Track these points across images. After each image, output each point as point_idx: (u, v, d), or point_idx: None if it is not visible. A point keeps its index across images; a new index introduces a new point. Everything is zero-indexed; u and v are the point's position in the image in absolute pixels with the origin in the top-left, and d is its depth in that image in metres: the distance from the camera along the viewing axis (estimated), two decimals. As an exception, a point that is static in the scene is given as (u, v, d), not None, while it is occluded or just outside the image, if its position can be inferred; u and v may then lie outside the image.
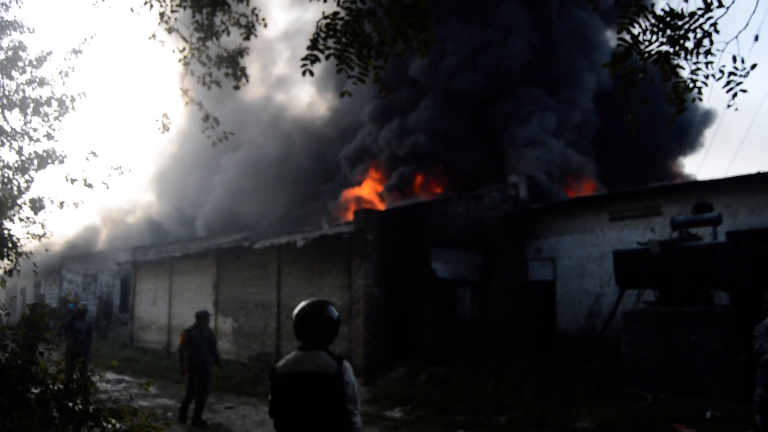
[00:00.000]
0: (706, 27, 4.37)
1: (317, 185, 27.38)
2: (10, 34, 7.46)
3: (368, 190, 25.59)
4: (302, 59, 4.97)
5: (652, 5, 4.64)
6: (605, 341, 13.69)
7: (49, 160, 7.37)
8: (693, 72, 4.44)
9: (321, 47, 4.97)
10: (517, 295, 17.32)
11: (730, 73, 4.41)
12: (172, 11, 6.44)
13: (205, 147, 7.15)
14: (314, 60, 4.98)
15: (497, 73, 23.06)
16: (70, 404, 5.85)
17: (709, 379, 10.98)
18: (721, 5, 4.38)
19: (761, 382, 6.60)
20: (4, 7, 7.53)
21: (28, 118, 7.36)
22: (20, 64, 7.38)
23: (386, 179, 24.78)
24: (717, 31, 4.41)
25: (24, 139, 7.35)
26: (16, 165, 7.31)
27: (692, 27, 4.37)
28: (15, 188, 7.27)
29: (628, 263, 12.74)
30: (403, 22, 4.98)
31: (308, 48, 4.94)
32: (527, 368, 13.15)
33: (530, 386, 12.07)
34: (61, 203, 7.50)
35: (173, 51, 6.68)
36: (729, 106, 4.52)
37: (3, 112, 7.26)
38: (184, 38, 6.64)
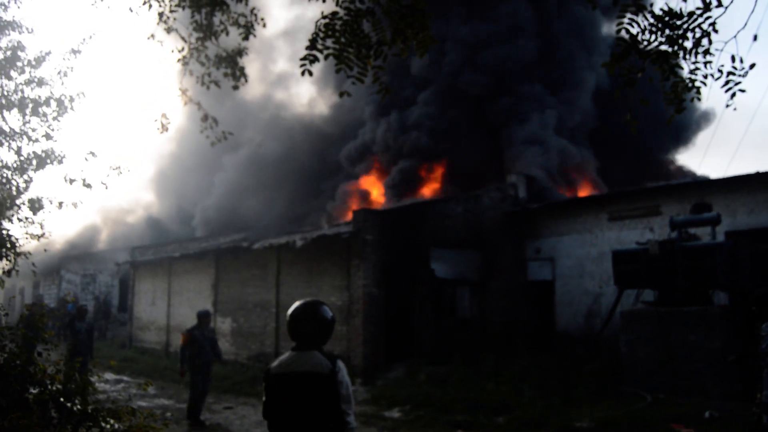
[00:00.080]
0: (704, 26, 4.37)
1: (318, 183, 27.33)
2: (9, 34, 7.45)
3: (370, 185, 25.59)
4: (301, 59, 4.97)
5: (651, 4, 4.64)
6: (604, 341, 13.70)
7: (48, 161, 7.36)
8: (692, 71, 4.45)
9: (320, 47, 4.96)
10: (517, 295, 17.33)
11: (729, 73, 4.41)
12: (171, 11, 6.44)
13: (205, 146, 7.14)
14: (313, 60, 4.98)
15: (498, 72, 23.06)
16: (69, 404, 5.85)
17: (708, 378, 10.98)
18: (720, 5, 4.39)
19: None
20: (3, 7, 7.51)
21: (27, 118, 7.35)
22: (19, 64, 7.36)
23: (387, 176, 24.75)
24: (716, 31, 4.41)
25: (23, 139, 7.34)
26: (14, 165, 7.29)
27: (691, 26, 4.38)
28: (14, 188, 7.26)
29: (627, 263, 12.75)
30: (401, 22, 4.98)
31: (307, 48, 4.94)
32: (526, 368, 13.15)
33: (529, 386, 12.08)
34: (60, 203, 7.49)
35: (172, 51, 6.68)
36: (728, 105, 4.52)
37: (2, 112, 7.25)
38: (183, 38, 6.63)
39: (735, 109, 4.68)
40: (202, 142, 7.07)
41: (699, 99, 4.49)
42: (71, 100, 7.50)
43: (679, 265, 11.79)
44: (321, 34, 4.94)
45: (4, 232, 7.17)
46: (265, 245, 17.91)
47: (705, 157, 55.03)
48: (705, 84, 4.45)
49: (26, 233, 7.54)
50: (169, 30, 6.56)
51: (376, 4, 5.10)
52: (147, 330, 24.32)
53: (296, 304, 4.30)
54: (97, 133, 58.85)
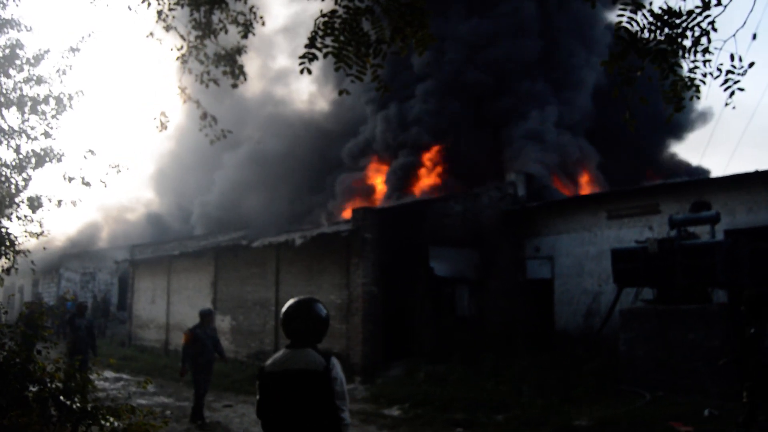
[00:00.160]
0: (704, 25, 4.37)
1: (319, 180, 27.28)
2: (8, 32, 7.44)
3: (373, 178, 25.58)
4: (300, 57, 4.97)
5: (650, 2, 4.64)
6: (603, 340, 13.70)
7: (47, 159, 7.36)
8: (691, 70, 4.44)
9: (319, 45, 4.96)
10: (516, 294, 17.33)
11: (728, 72, 4.41)
12: (170, 9, 6.44)
13: (205, 144, 7.13)
14: (312, 58, 4.98)
15: (499, 70, 23.05)
16: (68, 402, 5.85)
17: (707, 377, 10.98)
18: (719, 3, 4.39)
19: None
20: (2, 5, 7.51)
21: (26, 116, 7.35)
22: (18, 62, 7.35)
23: (387, 171, 24.72)
24: (715, 30, 4.41)
25: (21, 137, 7.34)
26: (13, 163, 7.29)
27: (690, 25, 4.38)
28: (13, 187, 7.26)
29: (626, 261, 12.75)
30: (400, 20, 4.98)
31: (306, 46, 4.94)
32: (525, 367, 13.16)
33: (528, 385, 12.08)
34: (59, 202, 7.49)
35: (171, 49, 6.68)
36: (727, 104, 4.52)
37: (0, 111, 7.25)
38: (181, 36, 6.63)
39: (734, 107, 4.68)
40: (202, 139, 7.07)
41: (698, 98, 4.49)
42: (70, 98, 7.50)
43: (678, 264, 11.79)
44: (320, 33, 4.94)
45: (3, 230, 7.17)
46: (265, 243, 17.91)
47: (704, 156, 55.04)
48: (704, 83, 4.45)
49: (25, 231, 7.55)
50: (168, 28, 6.56)
51: (375, 3, 5.10)
52: (146, 328, 24.32)
53: (290, 301, 4.30)
54: (97, 132, 58.82)
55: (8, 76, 7.33)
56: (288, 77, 31.99)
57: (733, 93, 4.42)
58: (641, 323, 12.14)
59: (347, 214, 22.33)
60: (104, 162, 7.71)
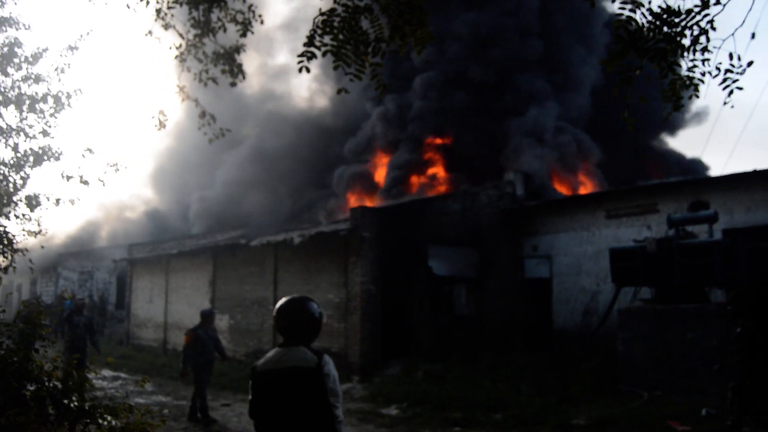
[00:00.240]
0: (703, 24, 4.38)
1: (321, 176, 27.22)
2: (6, 31, 7.44)
3: (375, 173, 25.57)
4: (299, 56, 4.97)
5: (650, 1, 4.64)
6: (601, 339, 13.70)
7: (45, 157, 7.36)
8: (690, 69, 4.45)
9: (318, 44, 4.96)
10: (514, 293, 17.34)
11: (727, 71, 4.42)
12: (169, 8, 6.43)
13: (205, 141, 7.12)
14: (311, 57, 4.98)
15: (499, 68, 23.03)
16: (66, 401, 5.85)
17: (705, 376, 10.98)
18: (718, 2, 4.39)
19: None
20: (0, 3, 7.50)
21: (24, 114, 7.35)
22: (16, 60, 7.36)
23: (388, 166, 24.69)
24: (714, 29, 4.41)
25: (20, 135, 7.34)
26: (11, 162, 7.29)
27: (689, 24, 4.38)
28: (11, 185, 7.26)
29: (625, 261, 12.75)
30: (399, 18, 4.98)
31: (305, 44, 4.94)
32: (524, 366, 13.17)
33: (527, 384, 12.10)
34: (57, 200, 7.49)
35: (170, 48, 6.67)
36: (725, 103, 4.53)
37: (-1, 109, 7.24)
38: (180, 35, 6.62)
39: (732, 106, 4.69)
40: (202, 137, 7.06)
41: (697, 96, 4.49)
42: (68, 96, 7.50)
43: (676, 263, 11.80)
44: (319, 31, 4.94)
45: (2, 228, 7.17)
46: (263, 242, 17.89)
47: (703, 155, 55.09)
48: (703, 81, 4.46)
49: (23, 230, 7.55)
50: (166, 27, 6.55)
51: (374, 1, 5.10)
52: (144, 327, 24.30)
53: (283, 300, 4.29)
54: (95, 130, 58.75)
55: (6, 75, 7.34)
56: (288, 74, 31.89)
57: (731, 92, 4.43)
58: (639, 322, 12.15)
59: (353, 203, 22.39)
60: (102, 161, 7.71)
